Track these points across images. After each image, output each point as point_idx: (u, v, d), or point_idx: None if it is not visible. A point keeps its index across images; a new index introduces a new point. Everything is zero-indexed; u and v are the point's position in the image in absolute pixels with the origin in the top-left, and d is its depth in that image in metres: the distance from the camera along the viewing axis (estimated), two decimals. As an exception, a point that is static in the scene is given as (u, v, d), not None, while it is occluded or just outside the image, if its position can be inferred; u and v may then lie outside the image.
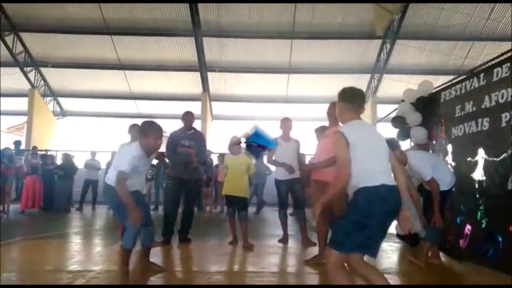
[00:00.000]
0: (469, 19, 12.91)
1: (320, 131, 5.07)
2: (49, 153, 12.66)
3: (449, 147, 4.67)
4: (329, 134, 4.31)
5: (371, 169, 2.43)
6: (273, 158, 5.37)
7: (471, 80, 4.38)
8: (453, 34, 13.54)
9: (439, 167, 4.16)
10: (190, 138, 5.48)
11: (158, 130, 3.47)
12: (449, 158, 4.64)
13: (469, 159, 4.21)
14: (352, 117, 2.67)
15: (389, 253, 5.08)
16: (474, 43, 13.91)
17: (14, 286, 3.26)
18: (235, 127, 17.28)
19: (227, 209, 5.69)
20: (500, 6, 12.55)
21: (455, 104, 4.64)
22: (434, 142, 5.11)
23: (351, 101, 2.70)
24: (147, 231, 3.68)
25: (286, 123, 5.56)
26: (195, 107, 15.08)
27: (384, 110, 14.31)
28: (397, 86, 15.42)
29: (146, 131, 3.45)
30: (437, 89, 5.37)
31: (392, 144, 4.17)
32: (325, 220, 4.13)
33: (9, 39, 13.81)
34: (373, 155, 2.48)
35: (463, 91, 4.55)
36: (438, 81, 9.33)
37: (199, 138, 5.64)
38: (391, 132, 9.23)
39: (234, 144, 5.37)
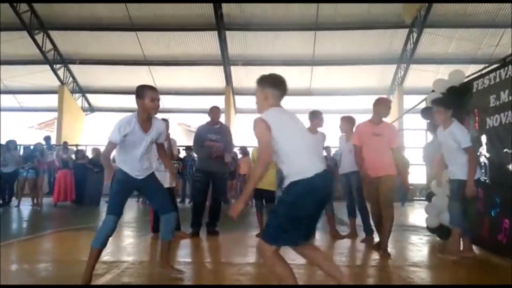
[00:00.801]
0: (499, 6, 12.42)
1: (347, 121, 5.39)
2: (79, 148, 13.04)
3: (483, 138, 4.52)
4: (380, 130, 4.41)
5: (300, 161, 2.38)
6: None
7: (506, 68, 4.22)
8: (482, 21, 13.09)
9: (464, 155, 4.01)
10: (217, 132, 5.54)
11: (152, 89, 3.25)
12: (483, 149, 4.50)
13: (505, 150, 4.07)
14: (276, 104, 2.59)
15: (420, 246, 5.00)
16: (505, 30, 13.36)
17: (14, 286, 3.34)
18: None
19: (255, 202, 5.71)
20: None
21: (489, 93, 4.48)
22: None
23: (278, 87, 2.60)
24: (166, 219, 3.35)
25: (313, 116, 5.54)
26: (218, 101, 15.15)
27: (411, 101, 14.00)
28: (424, 76, 15.02)
29: (140, 91, 3.19)
30: (469, 78, 5.20)
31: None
32: (379, 210, 4.31)
33: (38, 37, 14.25)
34: (300, 144, 2.44)
35: (497, 80, 4.39)
36: (468, 70, 9.06)
37: (225, 132, 5.69)
38: (419, 123, 9.04)
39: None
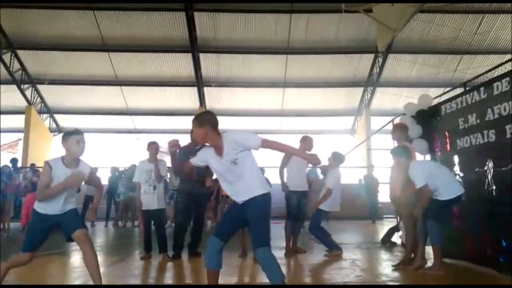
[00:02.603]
0: (458, 33, 13.37)
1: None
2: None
3: (455, 158, 4.87)
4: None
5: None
6: (285, 170, 5.59)
7: (471, 94, 4.61)
8: (443, 47, 14.01)
9: (442, 177, 4.31)
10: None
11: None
12: (456, 169, 4.83)
13: (477, 169, 4.40)
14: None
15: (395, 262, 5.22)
16: (463, 56, 14.38)
17: (14, 286, 3.25)
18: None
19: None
20: (487, 20, 13.07)
21: (457, 116, 4.85)
22: (439, 153, 5.31)
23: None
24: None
25: (305, 140, 5.77)
26: (190, 122, 15.21)
27: (378, 122, 14.63)
28: (390, 99, 15.80)
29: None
30: (437, 102, 5.60)
31: (396, 153, 4.47)
32: (410, 222, 4.58)
33: (6, 57, 13.89)
34: None
35: (464, 104, 4.77)
36: (430, 93, 9.61)
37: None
38: (387, 143, 9.48)
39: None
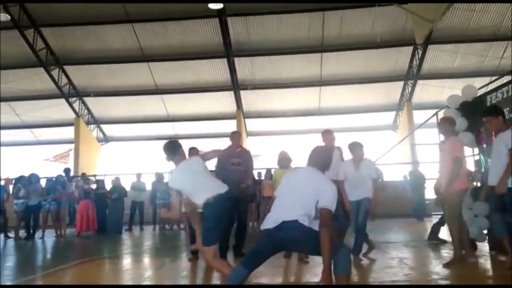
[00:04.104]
0: (502, 19, 12.70)
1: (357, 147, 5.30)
2: (97, 177, 13.29)
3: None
4: (447, 147, 4.62)
5: None
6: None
7: (519, 82, 4.41)
8: (486, 35, 13.35)
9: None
10: (238, 156, 5.72)
11: None
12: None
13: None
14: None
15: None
16: (509, 42, 13.60)
17: (14, 286, 3.41)
18: (270, 142, 17.54)
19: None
20: (534, 3, 12.29)
21: (502, 106, 4.64)
22: (485, 145, 5.10)
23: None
24: None
25: (327, 135, 5.66)
26: (230, 125, 15.48)
27: (421, 116, 14.17)
28: (432, 91, 15.28)
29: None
30: (482, 93, 5.38)
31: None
32: (456, 220, 4.52)
33: (54, 73, 14.77)
34: None
35: (510, 94, 4.57)
36: (475, 83, 9.25)
37: (246, 156, 5.87)
38: (431, 137, 9.18)
39: (284, 158, 5.55)
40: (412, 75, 15.02)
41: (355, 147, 5.30)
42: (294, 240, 2.84)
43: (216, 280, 4.71)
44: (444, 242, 6.39)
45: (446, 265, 4.49)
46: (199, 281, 4.71)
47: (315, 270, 4.74)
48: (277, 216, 2.89)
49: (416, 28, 6.86)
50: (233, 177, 5.50)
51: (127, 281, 4.70)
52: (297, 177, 3.11)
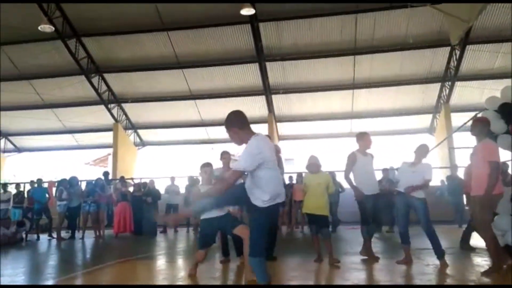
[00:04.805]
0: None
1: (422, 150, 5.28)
2: (134, 181, 13.75)
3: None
4: (479, 150, 4.54)
5: None
6: (351, 174, 5.48)
7: (562, 82, 4.20)
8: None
9: None
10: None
11: None
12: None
13: None
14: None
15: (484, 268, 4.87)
16: (554, 40, 12.89)
17: (14, 286, 3.52)
18: (302, 146, 17.50)
19: (310, 227, 5.82)
20: None
21: (545, 108, 4.45)
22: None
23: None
24: None
25: (362, 137, 5.61)
26: (262, 129, 15.55)
27: (459, 119, 13.68)
28: (471, 93, 14.74)
29: None
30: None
31: None
32: (490, 226, 4.44)
33: (94, 80, 15.45)
34: None
35: (553, 95, 4.36)
36: (518, 84, 8.82)
37: (278, 159, 5.90)
38: (471, 141, 8.86)
39: (313, 163, 5.55)
40: (450, 76, 14.53)
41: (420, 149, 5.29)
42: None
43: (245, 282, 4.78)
44: (473, 249, 6.15)
45: (484, 274, 4.33)
46: (230, 282, 4.79)
47: (346, 274, 4.72)
48: None
49: (451, 29, 6.68)
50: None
51: (161, 281, 4.84)
52: None
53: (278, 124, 17.11)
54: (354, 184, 5.45)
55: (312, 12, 12.79)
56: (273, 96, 15.96)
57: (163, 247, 8.59)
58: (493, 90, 11.91)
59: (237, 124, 3.12)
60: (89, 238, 10.16)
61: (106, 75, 15.77)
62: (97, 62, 15.16)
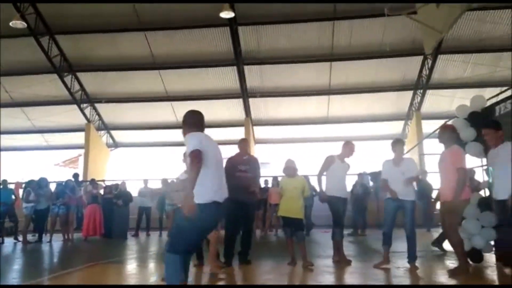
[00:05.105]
0: (514, 29, 12.61)
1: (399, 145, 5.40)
2: (106, 183, 13.42)
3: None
4: (447, 156, 4.63)
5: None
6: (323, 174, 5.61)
7: (527, 92, 4.39)
8: (497, 45, 13.26)
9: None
10: (246, 163, 5.76)
11: None
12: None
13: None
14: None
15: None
16: (521, 53, 13.49)
17: (14, 286, 3.43)
18: (278, 150, 17.56)
19: (284, 230, 5.84)
20: (545, 14, 12.22)
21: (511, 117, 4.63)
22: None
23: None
24: None
25: (348, 146, 5.73)
26: (239, 133, 15.53)
27: (430, 126, 14.09)
28: (442, 101, 15.19)
29: None
30: (491, 103, 5.36)
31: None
32: (457, 230, 4.56)
33: (67, 79, 15.03)
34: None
35: (519, 104, 4.55)
36: (485, 93, 9.15)
37: (254, 163, 5.91)
38: (440, 148, 9.14)
39: (290, 167, 5.57)
40: (422, 84, 14.96)
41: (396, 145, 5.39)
42: None
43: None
44: (444, 251, 6.34)
45: (451, 275, 4.45)
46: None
47: (319, 277, 4.74)
48: None
49: (425, 38, 6.89)
50: (241, 184, 5.54)
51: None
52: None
53: (254, 127, 17.12)
54: (323, 186, 5.61)
55: (291, 18, 12.91)
56: (250, 100, 15.97)
57: (135, 250, 8.42)
58: (462, 98, 12.32)
59: (187, 123, 3.23)
60: (57, 241, 9.83)
61: (79, 74, 15.37)
62: (71, 60, 14.77)
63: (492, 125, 4.34)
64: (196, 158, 2.87)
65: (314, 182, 8.83)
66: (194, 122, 3.21)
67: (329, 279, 4.72)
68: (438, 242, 6.56)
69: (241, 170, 5.66)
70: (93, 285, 4.04)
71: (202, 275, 5.15)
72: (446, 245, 6.30)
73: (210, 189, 2.94)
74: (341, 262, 5.56)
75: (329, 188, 5.65)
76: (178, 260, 2.93)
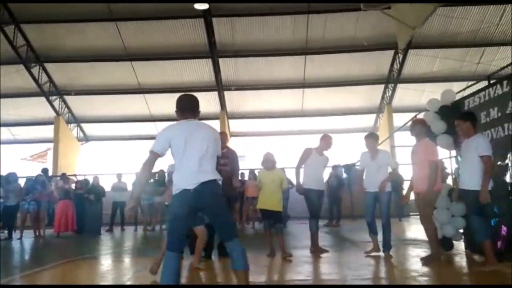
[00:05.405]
0: (480, 25, 13.13)
1: (372, 138, 5.53)
2: (77, 177, 13.09)
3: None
4: (420, 149, 4.80)
5: None
6: (302, 168, 5.68)
7: (495, 87, 4.60)
8: (464, 41, 13.77)
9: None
10: (225, 157, 5.74)
11: None
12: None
13: (499, 163, 4.39)
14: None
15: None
16: (486, 48, 14.08)
17: (14, 286, 3.38)
18: (253, 143, 17.62)
19: (263, 222, 5.90)
20: (510, 11, 12.77)
21: (479, 111, 4.85)
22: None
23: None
24: None
25: (325, 139, 5.80)
26: (214, 125, 15.32)
27: (400, 119, 14.50)
28: (412, 95, 15.65)
29: None
30: (460, 97, 5.58)
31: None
32: (431, 220, 4.73)
33: (34, 70, 14.48)
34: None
35: (486, 98, 4.76)
36: (453, 87, 9.49)
37: (232, 157, 5.91)
38: (410, 140, 9.45)
39: (268, 159, 5.62)
40: (393, 78, 15.36)
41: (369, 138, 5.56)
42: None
43: (201, 278, 4.75)
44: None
45: (424, 263, 4.64)
46: (183, 280, 4.72)
47: (298, 268, 4.84)
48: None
49: (399, 34, 7.08)
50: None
51: (109, 282, 4.66)
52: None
53: (230, 120, 17.10)
54: (301, 178, 5.67)
55: (266, 10, 12.90)
56: (226, 93, 15.92)
57: (109, 246, 8.29)
58: (431, 92, 12.78)
59: (177, 107, 3.16)
60: (28, 238, 9.54)
61: (47, 65, 14.84)
62: (38, 50, 14.22)
63: (460, 116, 4.51)
64: (145, 164, 2.99)
65: (290, 175, 8.99)
66: (180, 108, 3.15)
67: (308, 269, 4.83)
68: None
69: (220, 164, 5.65)
70: (82, 285, 3.91)
71: (182, 269, 5.14)
72: (416, 234, 6.56)
73: (178, 179, 2.97)
74: (316, 252, 5.69)
75: (305, 180, 5.73)
76: (174, 258, 2.93)
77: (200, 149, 2.98)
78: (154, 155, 2.97)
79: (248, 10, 12.93)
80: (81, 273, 5.33)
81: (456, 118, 4.51)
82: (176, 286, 2.93)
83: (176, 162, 3.01)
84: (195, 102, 3.21)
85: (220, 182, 3.08)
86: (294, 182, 6.06)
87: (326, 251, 5.75)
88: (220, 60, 14.57)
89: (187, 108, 3.14)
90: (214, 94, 15.90)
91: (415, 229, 8.11)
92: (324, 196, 6.03)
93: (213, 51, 14.04)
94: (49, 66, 14.90)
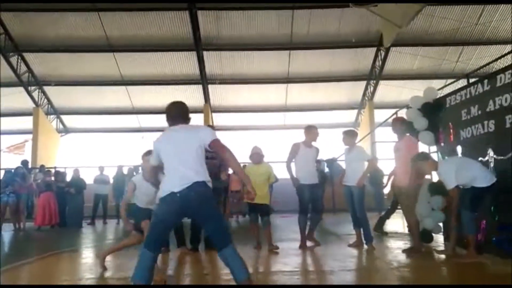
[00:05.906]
0: (459, 24, 13.49)
1: (346, 135, 5.68)
2: (57, 170, 12.84)
3: (459, 149, 5.06)
4: (402, 146, 5.06)
5: None
6: (292, 163, 5.72)
7: (475, 86, 4.79)
8: (443, 39, 14.12)
9: (471, 169, 4.39)
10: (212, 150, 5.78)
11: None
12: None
13: (480, 158, 4.59)
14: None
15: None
16: (464, 47, 14.49)
17: (14, 286, 3.36)
18: (237, 137, 17.64)
19: (250, 215, 5.98)
20: (488, 11, 13.17)
21: (460, 108, 5.04)
22: (442, 144, 5.50)
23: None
24: None
25: (310, 130, 5.81)
26: (197, 119, 15.40)
27: (381, 115, 14.80)
28: (392, 92, 15.97)
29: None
30: (442, 95, 5.77)
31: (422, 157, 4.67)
32: (413, 212, 4.95)
33: (13, 59, 14.09)
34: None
35: (467, 96, 4.95)
36: (432, 84, 9.84)
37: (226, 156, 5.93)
38: (391, 136, 9.68)
39: (256, 153, 5.69)
40: (375, 75, 15.63)
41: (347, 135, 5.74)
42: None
43: (187, 271, 4.79)
44: (386, 234, 6.80)
45: (408, 255, 4.83)
46: (170, 272, 4.75)
47: (285, 260, 4.95)
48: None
49: (385, 32, 7.22)
50: (208, 171, 5.55)
51: (92, 276, 4.61)
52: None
53: (213, 114, 17.07)
54: (294, 173, 5.67)
55: (251, 5, 12.91)
56: (210, 86, 15.88)
57: (91, 239, 8.21)
58: (411, 89, 13.06)
59: (167, 118, 3.26)
60: (8, 231, 9.35)
61: (26, 55, 14.45)
62: (16, 40, 13.84)
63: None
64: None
65: (275, 169, 9.08)
66: (169, 116, 3.26)
67: (295, 261, 4.93)
68: (378, 226, 6.99)
69: (208, 157, 5.67)
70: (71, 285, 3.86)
71: (169, 261, 5.18)
72: (392, 227, 6.76)
73: (166, 182, 3.00)
74: (303, 247, 5.77)
75: (297, 175, 5.70)
76: (149, 257, 2.92)
77: (187, 152, 2.99)
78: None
79: (234, 4, 12.90)
80: (64, 266, 5.28)
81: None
82: (176, 286, 2.95)
83: (165, 168, 3.06)
84: (183, 110, 3.28)
85: (209, 184, 3.03)
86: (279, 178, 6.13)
87: (318, 244, 5.82)
88: (205, 53, 14.51)
89: (174, 116, 3.23)
90: (198, 88, 15.84)
91: (395, 222, 8.34)
92: (320, 188, 6.11)
93: (198, 44, 13.97)
94: (28, 56, 14.53)
